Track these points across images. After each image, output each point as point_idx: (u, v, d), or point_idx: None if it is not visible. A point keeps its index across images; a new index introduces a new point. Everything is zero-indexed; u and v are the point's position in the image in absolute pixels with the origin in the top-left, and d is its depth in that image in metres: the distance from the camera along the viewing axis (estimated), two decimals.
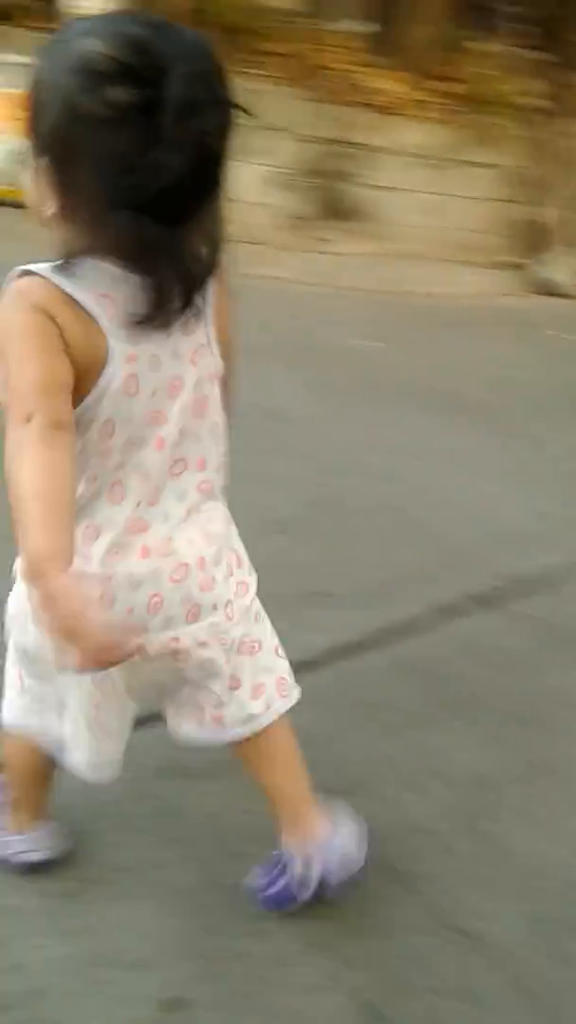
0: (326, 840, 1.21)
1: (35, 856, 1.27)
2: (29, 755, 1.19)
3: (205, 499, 1.06)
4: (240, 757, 1.21)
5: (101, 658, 0.86)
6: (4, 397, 0.90)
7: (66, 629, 0.84)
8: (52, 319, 0.89)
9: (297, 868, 1.20)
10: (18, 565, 1.00)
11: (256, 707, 1.16)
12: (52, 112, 0.86)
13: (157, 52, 0.83)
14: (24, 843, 1.26)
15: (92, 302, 0.91)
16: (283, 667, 1.20)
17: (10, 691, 1.17)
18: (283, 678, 1.19)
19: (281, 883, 1.22)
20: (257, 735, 1.17)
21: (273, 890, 1.23)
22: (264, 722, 1.16)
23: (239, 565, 1.12)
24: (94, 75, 0.83)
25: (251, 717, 1.16)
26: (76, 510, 0.94)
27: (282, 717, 1.18)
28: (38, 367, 0.89)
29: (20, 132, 0.90)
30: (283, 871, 1.22)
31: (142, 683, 1.10)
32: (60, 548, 0.87)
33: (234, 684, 1.13)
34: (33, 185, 0.91)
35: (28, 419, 0.88)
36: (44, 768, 1.21)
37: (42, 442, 0.87)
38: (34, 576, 0.86)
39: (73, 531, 0.91)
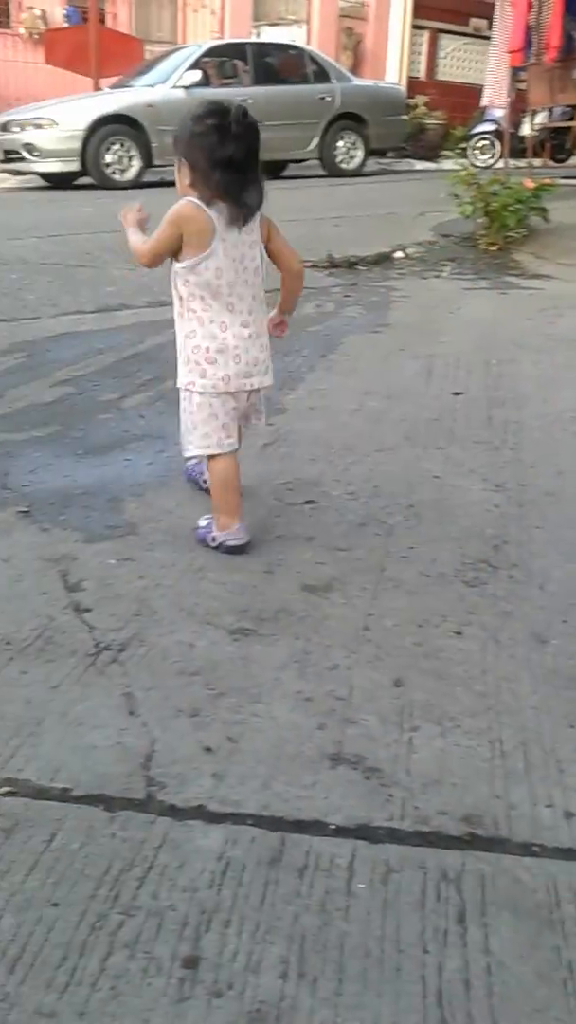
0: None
1: (235, 542, 2.05)
2: (221, 470, 2.06)
3: (259, 308, 2.05)
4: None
5: None
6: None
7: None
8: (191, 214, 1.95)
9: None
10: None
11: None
12: (184, 135, 1.93)
13: (223, 107, 1.92)
14: (228, 535, 2.05)
15: (211, 211, 1.93)
16: None
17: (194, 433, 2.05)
18: None
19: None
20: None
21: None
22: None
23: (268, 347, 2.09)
24: (199, 115, 1.91)
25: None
26: (203, 318, 2.00)
27: None
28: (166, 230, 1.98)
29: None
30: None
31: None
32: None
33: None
34: (177, 173, 1.99)
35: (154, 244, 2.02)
36: (233, 479, 2.07)
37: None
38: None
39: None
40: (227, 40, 13.91)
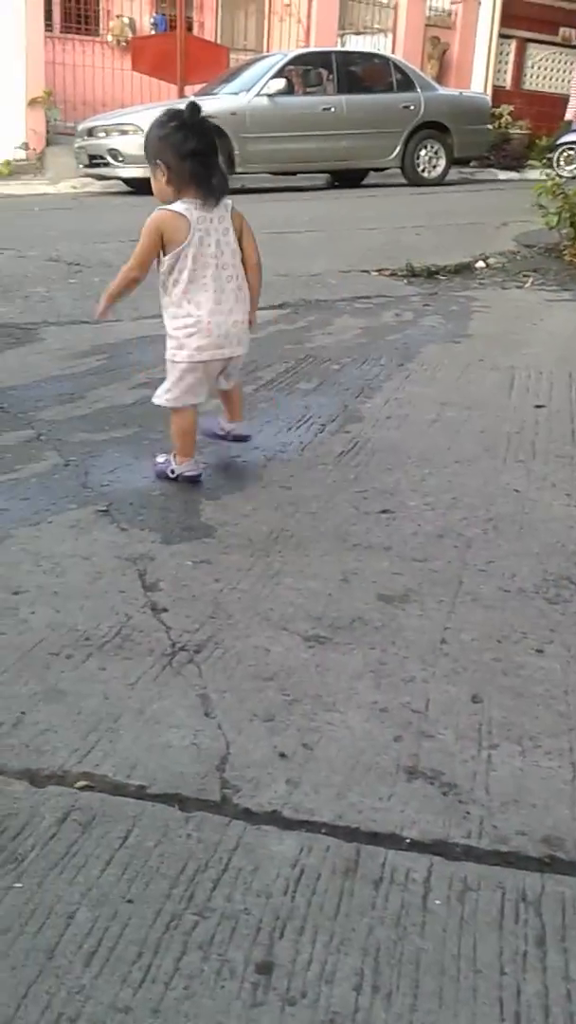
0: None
1: (192, 473, 2.45)
2: (184, 421, 2.46)
3: (234, 286, 2.40)
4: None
5: None
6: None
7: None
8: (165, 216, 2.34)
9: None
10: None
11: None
12: (153, 141, 2.33)
13: (179, 110, 2.32)
14: (186, 467, 2.45)
15: (182, 209, 2.31)
16: None
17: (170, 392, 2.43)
18: None
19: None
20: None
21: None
22: None
23: (245, 322, 2.45)
24: (164, 122, 2.31)
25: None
26: (182, 300, 2.37)
27: None
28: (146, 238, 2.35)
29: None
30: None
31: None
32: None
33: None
34: (153, 179, 2.36)
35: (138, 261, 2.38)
36: (193, 428, 2.47)
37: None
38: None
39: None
40: (312, 49, 13.97)
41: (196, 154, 2.27)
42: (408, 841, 1.23)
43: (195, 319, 2.35)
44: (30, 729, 1.44)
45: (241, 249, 2.42)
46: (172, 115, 2.31)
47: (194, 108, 2.30)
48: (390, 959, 1.06)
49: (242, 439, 2.66)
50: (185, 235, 2.30)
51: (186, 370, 2.39)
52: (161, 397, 2.45)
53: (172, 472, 2.45)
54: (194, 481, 2.44)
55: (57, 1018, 0.98)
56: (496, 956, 1.06)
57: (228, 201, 2.38)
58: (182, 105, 2.37)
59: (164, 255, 2.35)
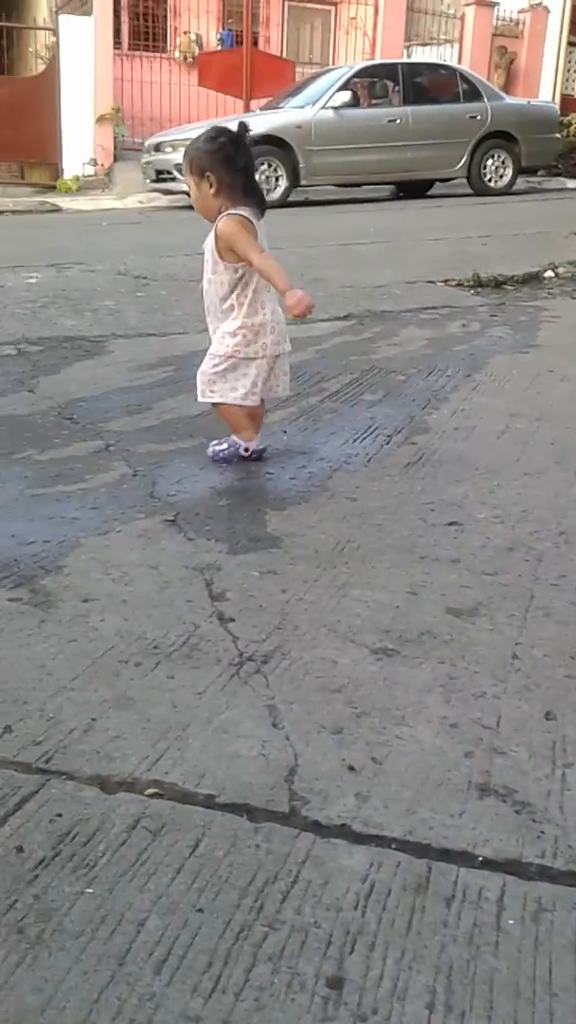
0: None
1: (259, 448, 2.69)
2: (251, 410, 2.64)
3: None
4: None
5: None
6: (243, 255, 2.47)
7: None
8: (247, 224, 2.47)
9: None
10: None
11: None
12: (201, 155, 2.48)
13: (228, 128, 2.50)
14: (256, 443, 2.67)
15: (248, 214, 2.47)
16: None
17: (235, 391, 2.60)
18: None
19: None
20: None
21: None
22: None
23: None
24: (213, 137, 2.48)
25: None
26: (257, 295, 2.54)
27: None
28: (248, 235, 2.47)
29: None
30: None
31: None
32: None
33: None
34: (195, 190, 2.53)
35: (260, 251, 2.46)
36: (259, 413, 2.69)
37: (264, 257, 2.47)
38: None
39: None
40: (377, 61, 14.01)
41: (246, 169, 2.47)
42: (480, 859, 1.21)
43: (262, 319, 2.53)
44: (100, 735, 1.46)
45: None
46: (222, 131, 2.47)
47: (243, 127, 2.47)
48: (463, 978, 1.04)
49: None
50: (255, 238, 2.47)
51: (250, 365, 2.55)
52: (230, 397, 2.59)
53: (246, 450, 2.64)
54: (259, 456, 2.66)
55: None
56: (572, 979, 1.04)
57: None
58: (232, 124, 2.50)
59: (228, 260, 2.49)
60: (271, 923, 1.11)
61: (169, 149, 10.66)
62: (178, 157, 10.45)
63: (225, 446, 2.67)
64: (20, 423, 3.04)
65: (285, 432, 2.95)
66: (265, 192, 9.99)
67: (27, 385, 3.48)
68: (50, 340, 4.15)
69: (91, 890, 1.16)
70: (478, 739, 1.46)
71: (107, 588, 1.94)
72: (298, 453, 2.76)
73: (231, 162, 2.43)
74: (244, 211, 2.47)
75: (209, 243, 2.54)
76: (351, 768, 1.38)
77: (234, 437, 2.65)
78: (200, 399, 2.66)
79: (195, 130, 10.55)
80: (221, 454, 2.67)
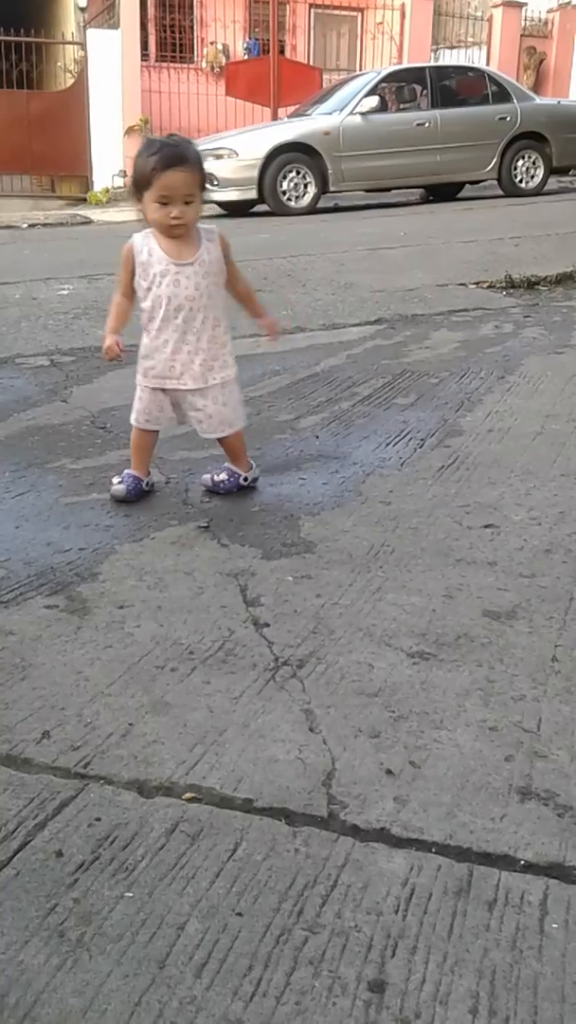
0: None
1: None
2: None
3: None
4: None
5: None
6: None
7: None
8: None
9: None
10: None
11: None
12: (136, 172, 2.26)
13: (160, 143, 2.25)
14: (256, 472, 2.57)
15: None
16: None
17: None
18: None
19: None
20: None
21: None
22: None
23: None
24: (142, 152, 2.24)
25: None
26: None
27: None
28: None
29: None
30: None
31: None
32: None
33: None
34: (199, 205, 2.33)
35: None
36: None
37: None
38: None
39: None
40: (405, 65, 14.00)
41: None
42: (522, 863, 1.20)
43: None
44: (138, 740, 1.46)
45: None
46: (147, 144, 2.28)
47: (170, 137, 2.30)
48: (506, 983, 1.03)
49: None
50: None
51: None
52: (241, 421, 2.54)
53: (245, 480, 2.53)
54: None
55: None
56: None
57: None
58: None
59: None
60: (311, 927, 1.11)
61: None
62: (207, 166, 10.53)
63: (225, 476, 2.52)
64: (54, 433, 3.07)
65: (318, 437, 2.95)
66: (294, 199, 10.01)
67: (60, 395, 3.51)
68: (82, 350, 4.18)
69: (131, 894, 1.16)
70: (518, 742, 1.44)
71: (142, 594, 1.95)
72: (331, 458, 2.75)
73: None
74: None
75: (216, 255, 2.37)
76: (389, 772, 1.38)
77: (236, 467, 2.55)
78: None
79: (223, 140, 10.64)
80: (225, 485, 2.52)
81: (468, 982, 1.03)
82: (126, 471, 2.53)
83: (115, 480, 2.51)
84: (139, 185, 2.25)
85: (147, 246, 2.35)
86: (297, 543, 2.19)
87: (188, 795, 1.34)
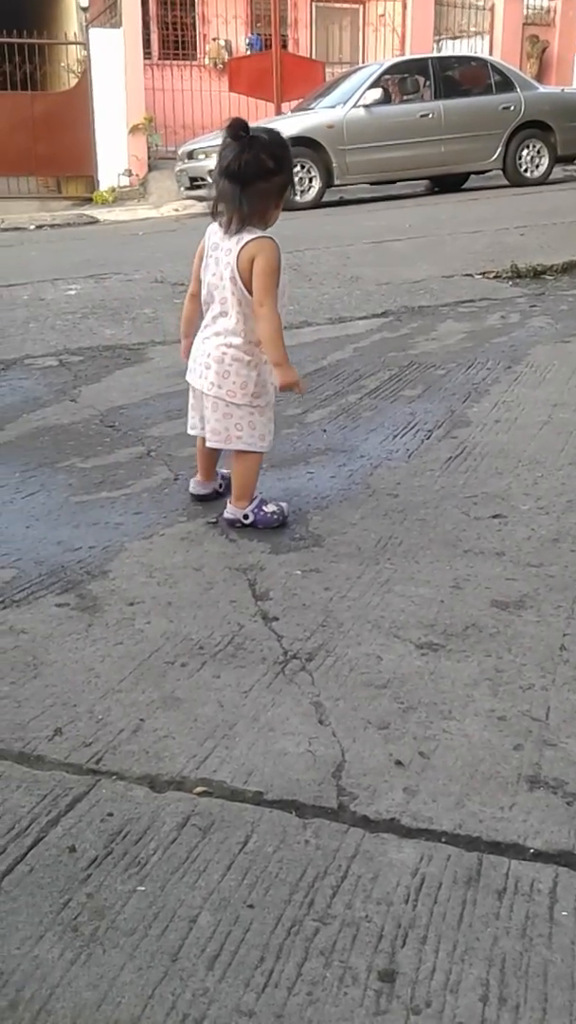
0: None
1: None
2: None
3: (222, 322, 2.22)
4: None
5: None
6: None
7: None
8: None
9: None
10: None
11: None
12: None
13: (236, 128, 2.10)
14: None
15: (212, 227, 2.21)
16: None
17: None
18: None
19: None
20: None
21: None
22: None
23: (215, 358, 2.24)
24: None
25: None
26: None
27: None
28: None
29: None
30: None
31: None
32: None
33: None
34: None
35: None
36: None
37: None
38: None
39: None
40: (407, 56, 13.95)
41: (228, 173, 2.09)
42: (532, 851, 1.20)
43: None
44: (149, 736, 1.47)
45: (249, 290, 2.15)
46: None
47: (236, 125, 2.09)
48: (516, 971, 1.03)
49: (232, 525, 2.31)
50: (201, 257, 2.23)
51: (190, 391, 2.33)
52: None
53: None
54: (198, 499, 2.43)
55: (183, 1019, 0.99)
56: None
57: (249, 235, 2.12)
58: (276, 123, 2.35)
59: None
60: (322, 918, 1.11)
61: (202, 156, 10.71)
62: (211, 163, 10.53)
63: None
64: (64, 432, 3.08)
65: (325, 431, 2.95)
66: (299, 193, 9.94)
67: (69, 395, 3.53)
68: (90, 350, 4.20)
69: (143, 888, 1.17)
70: (527, 731, 1.44)
71: (152, 591, 1.96)
72: (338, 451, 2.76)
73: (219, 163, 2.11)
74: (212, 225, 2.21)
75: None
76: (399, 763, 1.38)
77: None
78: None
79: None
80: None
81: (478, 970, 1.03)
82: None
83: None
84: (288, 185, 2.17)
85: None
86: (305, 537, 2.20)
87: (199, 789, 1.35)
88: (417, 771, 1.36)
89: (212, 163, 9.87)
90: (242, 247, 2.10)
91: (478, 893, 1.14)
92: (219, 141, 2.26)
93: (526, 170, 11.41)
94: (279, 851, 1.22)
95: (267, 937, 1.09)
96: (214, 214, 2.17)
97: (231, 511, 2.28)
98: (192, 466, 2.70)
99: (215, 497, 2.45)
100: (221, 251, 2.15)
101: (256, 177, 2.07)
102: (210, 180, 10.47)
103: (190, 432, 2.38)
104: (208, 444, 2.32)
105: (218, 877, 1.18)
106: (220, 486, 2.46)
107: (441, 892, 1.14)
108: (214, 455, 2.41)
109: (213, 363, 2.21)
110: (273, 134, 2.16)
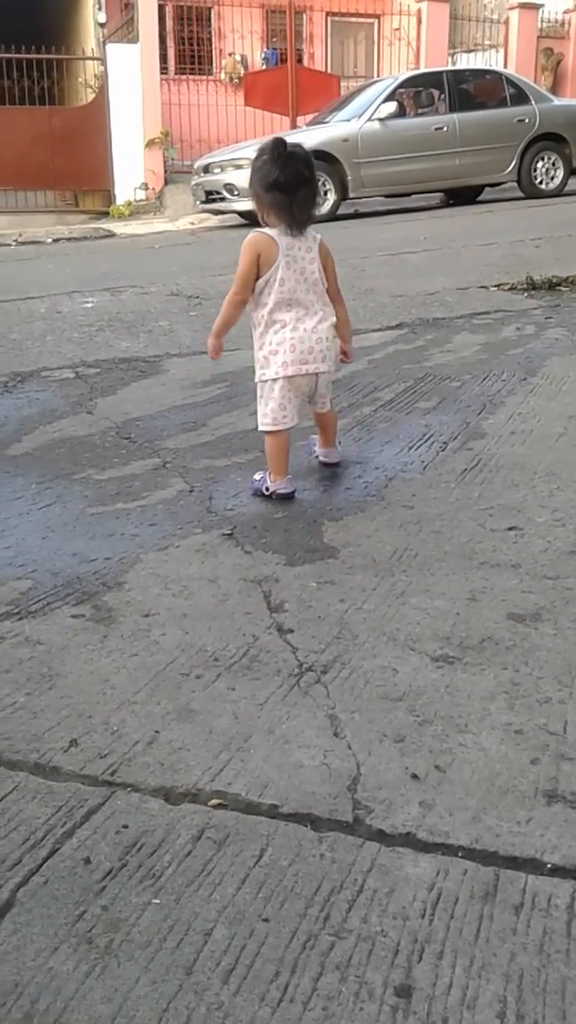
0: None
1: (285, 491, 2.53)
2: (278, 441, 2.55)
3: (319, 311, 2.51)
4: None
5: None
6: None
7: None
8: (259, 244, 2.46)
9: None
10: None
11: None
12: (250, 174, 2.48)
13: (270, 143, 2.44)
14: (280, 485, 2.53)
15: (273, 234, 2.45)
16: None
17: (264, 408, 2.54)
18: None
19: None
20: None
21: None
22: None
23: (331, 339, 2.53)
24: (257, 155, 2.44)
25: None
26: (272, 316, 2.49)
27: None
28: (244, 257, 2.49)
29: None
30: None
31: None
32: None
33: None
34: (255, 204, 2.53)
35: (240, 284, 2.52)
36: (286, 447, 2.56)
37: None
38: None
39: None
40: (422, 70, 14.00)
41: (281, 186, 2.40)
42: (549, 866, 1.19)
43: (280, 338, 2.48)
44: (164, 747, 1.47)
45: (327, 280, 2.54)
46: (262, 149, 2.45)
47: (279, 143, 2.43)
48: (534, 987, 1.02)
49: (331, 466, 2.73)
50: (275, 259, 2.44)
51: (273, 387, 2.50)
52: (260, 423, 2.56)
53: (267, 489, 2.54)
54: (287, 497, 2.52)
55: None
56: None
57: (316, 233, 2.52)
58: (291, 137, 2.54)
59: (258, 277, 2.48)
60: (337, 932, 1.11)
61: (218, 170, 10.78)
62: (227, 177, 10.62)
63: (259, 477, 2.60)
64: (80, 444, 3.10)
65: (340, 443, 2.95)
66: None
67: (85, 407, 3.55)
68: (107, 362, 4.22)
69: (158, 900, 1.17)
70: (544, 745, 1.43)
71: (167, 602, 1.96)
72: (353, 463, 2.76)
73: (265, 179, 2.41)
74: (269, 230, 2.46)
75: None
76: (415, 776, 1.37)
77: (267, 472, 2.58)
78: None
79: (243, 149, 10.69)
80: (253, 484, 2.60)
81: (495, 987, 1.02)
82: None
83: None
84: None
85: None
86: (320, 549, 2.20)
87: (214, 801, 1.35)
88: (433, 785, 1.35)
89: (228, 177, 10.03)
90: (319, 245, 2.51)
91: (495, 908, 1.13)
92: (235, 155, 2.60)
93: (541, 182, 11.42)
94: (294, 864, 1.21)
95: (282, 951, 1.09)
96: (263, 222, 2.49)
97: (327, 453, 2.74)
98: (209, 477, 2.70)
99: (336, 465, 2.74)
100: (298, 251, 2.47)
101: (303, 186, 2.43)
102: (229, 195, 10.57)
103: (286, 426, 2.54)
104: (324, 411, 2.65)
105: (233, 890, 1.18)
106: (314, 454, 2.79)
107: (458, 907, 1.13)
108: (331, 423, 2.76)
109: (329, 344, 2.52)
110: (303, 148, 2.49)
